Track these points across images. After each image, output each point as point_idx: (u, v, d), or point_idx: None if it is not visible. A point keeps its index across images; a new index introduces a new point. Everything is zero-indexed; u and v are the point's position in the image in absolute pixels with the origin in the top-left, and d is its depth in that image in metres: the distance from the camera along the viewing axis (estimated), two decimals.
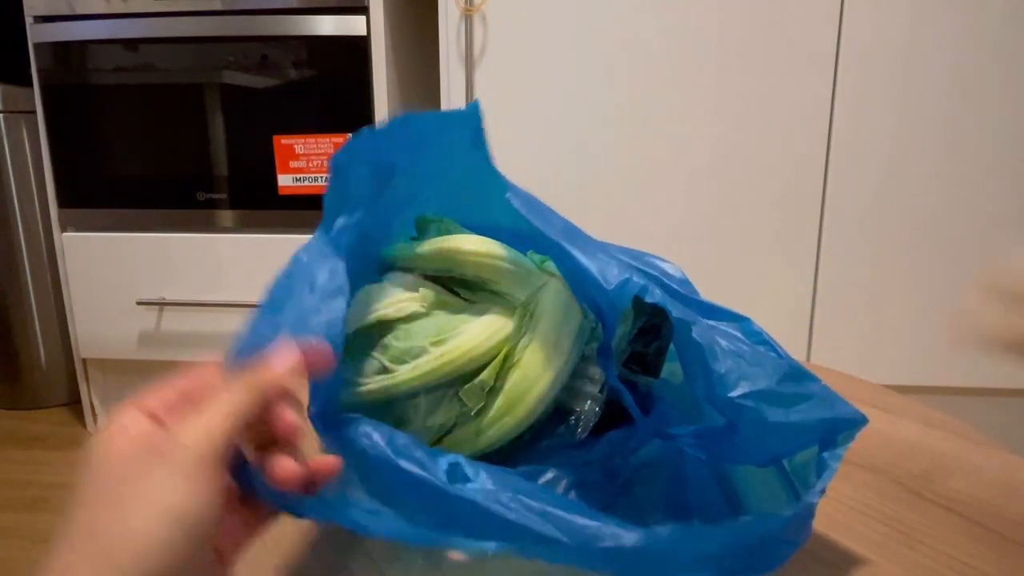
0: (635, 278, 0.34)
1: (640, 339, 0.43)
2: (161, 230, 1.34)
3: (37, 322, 1.57)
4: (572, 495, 0.36)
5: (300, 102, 1.28)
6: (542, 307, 0.39)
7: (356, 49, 1.24)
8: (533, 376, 0.37)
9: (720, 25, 1.16)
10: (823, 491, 0.31)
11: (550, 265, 0.40)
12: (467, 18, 1.19)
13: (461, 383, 0.37)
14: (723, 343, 0.34)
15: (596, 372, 0.41)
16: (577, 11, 1.18)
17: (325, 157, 1.28)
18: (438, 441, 0.39)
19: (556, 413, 0.42)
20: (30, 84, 1.33)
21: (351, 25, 1.23)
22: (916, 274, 1.20)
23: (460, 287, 0.41)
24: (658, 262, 0.42)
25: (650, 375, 0.43)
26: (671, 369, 0.43)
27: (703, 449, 0.36)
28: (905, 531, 0.38)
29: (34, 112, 1.34)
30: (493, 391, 0.37)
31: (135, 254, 1.35)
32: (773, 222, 1.21)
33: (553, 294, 0.39)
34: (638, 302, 0.43)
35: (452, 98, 1.23)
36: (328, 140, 1.27)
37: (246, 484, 0.29)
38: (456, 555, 0.37)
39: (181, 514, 0.25)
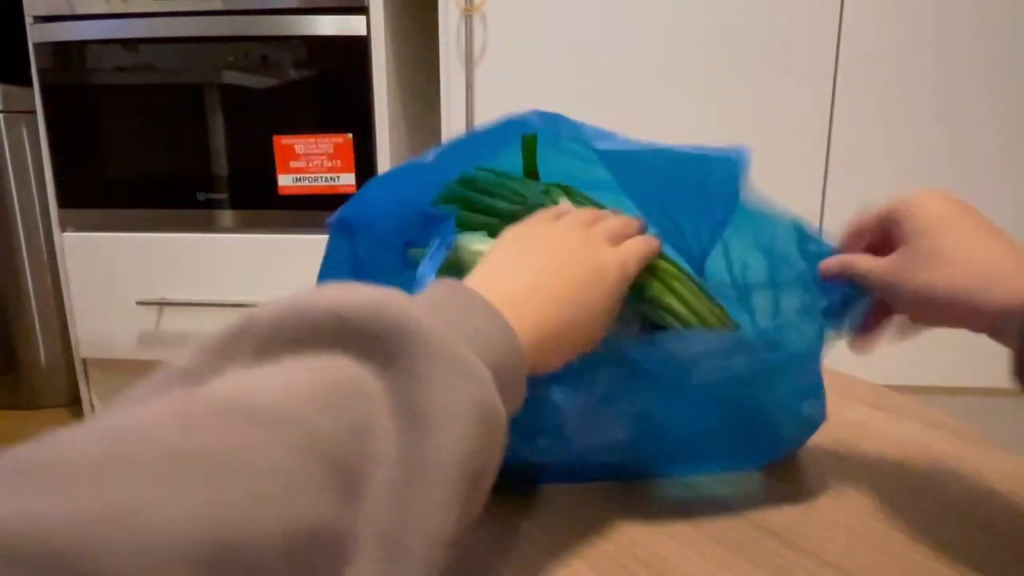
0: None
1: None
2: (161, 230, 1.35)
3: (37, 322, 1.57)
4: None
5: (300, 102, 1.28)
6: None
7: (356, 49, 1.24)
8: None
9: (720, 26, 1.16)
10: None
11: None
12: (467, 18, 1.19)
13: None
14: None
15: None
16: (576, 11, 1.18)
17: (325, 157, 1.28)
18: None
19: None
20: (30, 84, 1.33)
21: (351, 25, 1.23)
22: None
23: None
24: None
25: None
26: None
27: None
28: (905, 531, 0.38)
29: (34, 112, 1.34)
30: None
31: (135, 254, 1.35)
32: None
33: None
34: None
35: (452, 98, 1.23)
36: (328, 140, 1.27)
37: None
38: None
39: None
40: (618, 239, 0.36)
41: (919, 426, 0.52)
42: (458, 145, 0.41)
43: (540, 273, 0.32)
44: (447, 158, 0.41)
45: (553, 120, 0.41)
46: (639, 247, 0.36)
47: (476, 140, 0.42)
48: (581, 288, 0.32)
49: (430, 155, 0.40)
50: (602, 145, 0.40)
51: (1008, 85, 1.12)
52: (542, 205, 0.43)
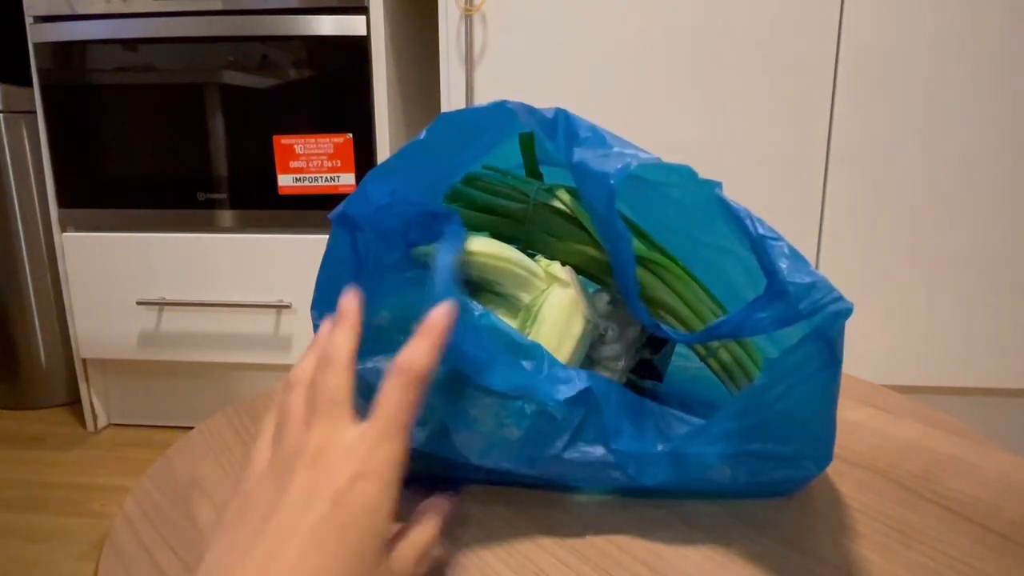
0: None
1: (648, 348, 0.44)
2: (161, 230, 1.35)
3: (37, 322, 1.57)
4: None
5: (300, 102, 1.28)
6: (545, 311, 0.39)
7: (356, 49, 1.24)
8: None
9: (721, 25, 1.16)
10: None
11: (555, 268, 0.41)
12: (467, 18, 1.19)
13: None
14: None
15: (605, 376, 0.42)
16: (577, 11, 1.18)
17: (325, 157, 1.28)
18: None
19: None
20: (30, 84, 1.33)
21: (351, 25, 1.23)
22: (916, 274, 1.20)
23: (464, 289, 0.41)
24: None
25: (655, 379, 0.44)
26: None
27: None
28: (905, 531, 0.38)
29: (34, 112, 1.34)
30: None
31: (135, 254, 1.35)
32: (772, 223, 1.21)
33: (557, 299, 0.39)
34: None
35: (452, 98, 1.23)
36: (328, 140, 1.27)
37: None
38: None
39: None
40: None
41: (919, 426, 0.52)
42: (449, 119, 0.40)
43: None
44: (439, 134, 0.40)
45: (545, 122, 0.40)
46: (391, 408, 0.28)
47: (468, 117, 0.41)
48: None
49: (423, 133, 0.40)
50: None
51: (1010, 83, 1.12)
52: (546, 204, 0.43)
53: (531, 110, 0.40)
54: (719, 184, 0.38)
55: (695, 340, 0.38)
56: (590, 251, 0.42)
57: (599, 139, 0.39)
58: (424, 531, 0.30)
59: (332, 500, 0.26)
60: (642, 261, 0.41)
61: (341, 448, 0.27)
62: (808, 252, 1.21)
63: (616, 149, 0.38)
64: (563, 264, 0.41)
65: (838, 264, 1.21)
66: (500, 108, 0.40)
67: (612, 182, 0.36)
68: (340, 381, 0.29)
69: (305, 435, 0.28)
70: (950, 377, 1.23)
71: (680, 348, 0.46)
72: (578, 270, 0.43)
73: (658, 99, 1.19)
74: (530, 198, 0.43)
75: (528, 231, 0.43)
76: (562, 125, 0.39)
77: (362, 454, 0.27)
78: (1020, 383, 1.21)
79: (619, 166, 0.36)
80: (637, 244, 0.42)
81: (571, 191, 0.44)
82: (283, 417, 0.30)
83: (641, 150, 0.38)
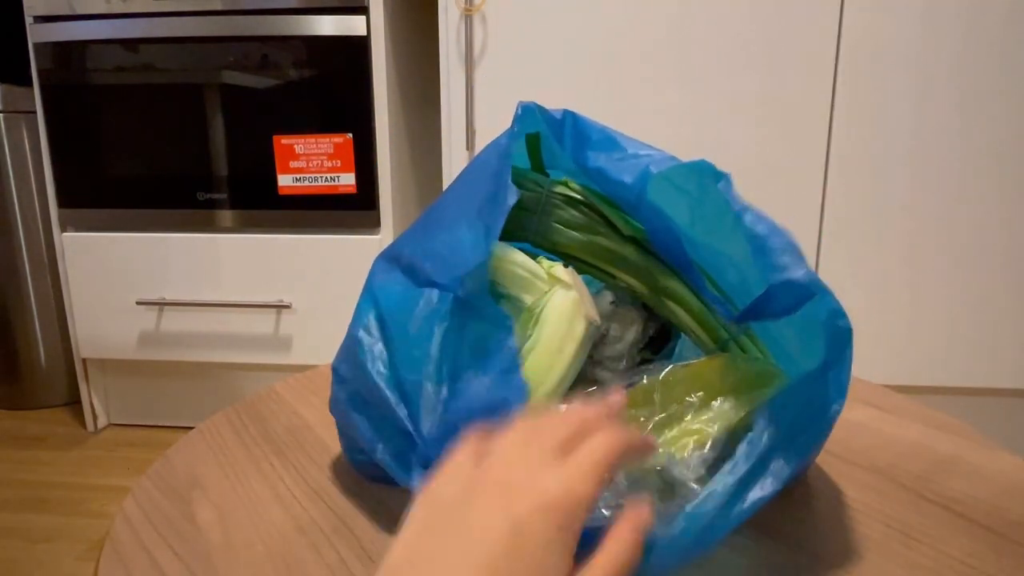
0: None
1: (650, 347, 0.44)
2: (161, 230, 1.35)
3: (37, 322, 1.57)
4: None
5: (300, 102, 1.28)
6: (547, 313, 0.39)
7: (356, 49, 1.24)
8: (535, 380, 0.38)
9: (720, 26, 1.16)
10: None
11: (558, 270, 0.41)
12: (467, 18, 1.19)
13: None
14: None
15: (604, 376, 0.42)
16: (576, 11, 1.18)
17: (325, 157, 1.28)
18: None
19: None
20: (30, 84, 1.33)
21: (351, 25, 1.23)
22: (916, 274, 1.20)
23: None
24: None
25: None
26: None
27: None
28: (905, 531, 0.38)
29: (34, 112, 1.34)
30: None
31: (135, 254, 1.35)
32: None
33: (559, 301, 0.39)
34: (648, 312, 0.44)
35: (452, 98, 1.23)
36: (328, 140, 1.27)
37: None
38: None
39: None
40: (570, 447, 0.27)
41: (919, 426, 0.52)
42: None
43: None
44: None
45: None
46: (591, 455, 0.27)
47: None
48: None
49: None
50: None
51: (1008, 86, 1.12)
52: (559, 192, 0.43)
53: (541, 109, 0.40)
54: (727, 177, 0.39)
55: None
56: (603, 241, 0.42)
57: (610, 141, 0.39)
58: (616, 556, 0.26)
59: (511, 530, 0.24)
60: (643, 248, 0.41)
61: (532, 482, 0.26)
62: (808, 253, 1.21)
63: (631, 151, 0.38)
64: (572, 255, 0.41)
65: (838, 264, 1.21)
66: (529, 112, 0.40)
67: (640, 186, 0.36)
68: (600, 455, 0.27)
69: (536, 471, 0.27)
70: (950, 377, 1.23)
71: (682, 349, 0.46)
72: (588, 260, 0.43)
73: (658, 100, 1.19)
74: (543, 187, 0.43)
75: (539, 220, 0.43)
76: (569, 126, 0.39)
77: (552, 489, 0.26)
78: (1020, 383, 1.21)
79: (637, 174, 0.37)
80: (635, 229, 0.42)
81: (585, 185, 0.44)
82: (538, 437, 0.28)
83: (653, 149, 0.39)
